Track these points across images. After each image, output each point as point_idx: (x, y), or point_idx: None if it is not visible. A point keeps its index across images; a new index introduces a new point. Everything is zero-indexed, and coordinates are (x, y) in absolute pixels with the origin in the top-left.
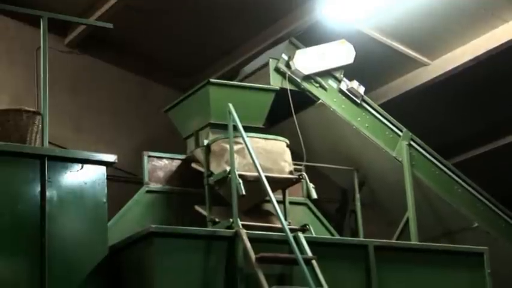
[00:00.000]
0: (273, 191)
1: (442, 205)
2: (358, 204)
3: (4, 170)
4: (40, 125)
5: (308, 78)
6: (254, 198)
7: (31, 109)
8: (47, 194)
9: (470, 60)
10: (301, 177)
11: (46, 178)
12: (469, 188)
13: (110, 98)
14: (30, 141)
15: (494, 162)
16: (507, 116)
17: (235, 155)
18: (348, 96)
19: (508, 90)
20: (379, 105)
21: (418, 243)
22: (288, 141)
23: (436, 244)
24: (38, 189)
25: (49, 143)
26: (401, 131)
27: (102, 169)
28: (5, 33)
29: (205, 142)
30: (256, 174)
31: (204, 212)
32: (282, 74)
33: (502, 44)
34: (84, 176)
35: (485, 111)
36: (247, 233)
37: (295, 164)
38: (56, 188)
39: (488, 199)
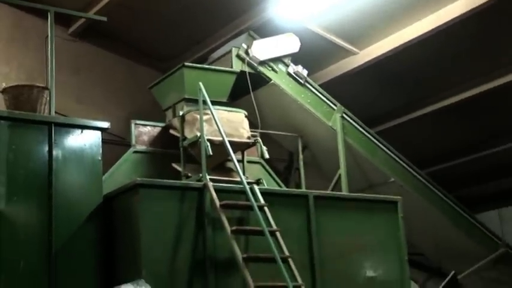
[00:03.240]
0: (234, 152)
1: (367, 164)
2: (301, 163)
3: (19, 134)
4: (48, 98)
5: (263, 63)
6: (219, 157)
7: (41, 85)
8: (54, 153)
9: (390, 51)
10: (256, 141)
11: (53, 140)
12: (388, 151)
13: (105, 77)
14: (40, 111)
15: (409, 131)
16: (420, 94)
17: (204, 124)
18: (294, 77)
19: (418, 73)
20: (318, 85)
21: (348, 193)
22: (246, 113)
23: (361, 194)
24: (46, 149)
25: (55, 112)
26: (335, 105)
27: (98, 133)
28: (20, 24)
29: (181, 113)
30: (220, 138)
31: (179, 168)
32: (242, 60)
33: (414, 38)
34: (84, 139)
35: (402, 90)
36: (213, 185)
37: (251, 131)
38: (60, 149)
39: (403, 160)
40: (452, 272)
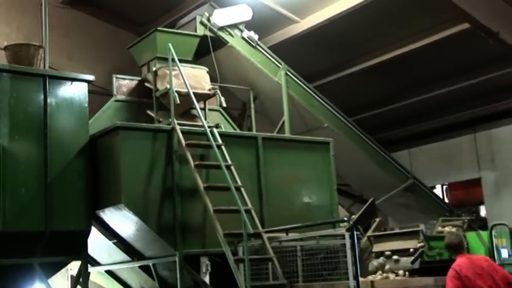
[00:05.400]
0: (197, 101)
1: (305, 112)
2: (252, 111)
3: (18, 84)
4: (43, 55)
5: (221, 28)
6: (185, 106)
7: (37, 44)
8: (48, 100)
9: (326, 20)
10: (215, 93)
11: (47, 90)
12: (323, 102)
13: (91, 39)
14: (36, 65)
15: (340, 86)
16: (349, 56)
17: (173, 78)
18: (247, 41)
19: (348, 39)
20: (267, 48)
21: (290, 135)
22: (207, 69)
23: (301, 136)
24: (42, 97)
25: (49, 67)
26: (281, 64)
27: (85, 85)
28: None
29: (154, 69)
30: (186, 90)
31: (153, 114)
32: (204, 26)
33: (346, 9)
34: (73, 89)
35: (335, 52)
36: (180, 128)
37: (212, 84)
38: (54, 97)
39: (334, 109)
40: (371, 199)
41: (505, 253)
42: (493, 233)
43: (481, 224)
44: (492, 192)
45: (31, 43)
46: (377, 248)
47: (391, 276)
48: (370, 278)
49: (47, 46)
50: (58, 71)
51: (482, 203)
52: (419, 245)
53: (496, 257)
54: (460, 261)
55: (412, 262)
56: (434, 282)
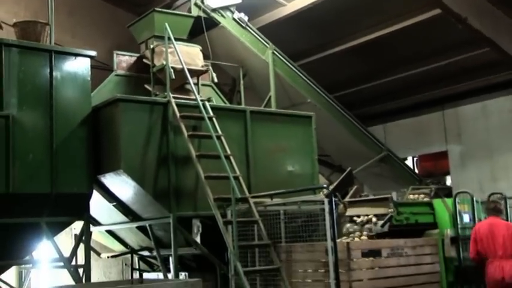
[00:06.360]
0: (191, 77)
1: (290, 88)
2: (241, 87)
3: (26, 59)
4: (49, 32)
5: (214, 10)
6: (180, 81)
7: (43, 21)
8: (53, 74)
9: (310, 3)
10: (208, 69)
11: (53, 64)
12: (306, 79)
13: (94, 18)
14: (43, 41)
15: (323, 64)
16: (331, 37)
17: (169, 55)
18: (238, 22)
19: (331, 22)
20: (256, 29)
21: (275, 109)
22: (201, 47)
23: (285, 110)
24: (48, 70)
25: (54, 43)
26: (268, 44)
27: (88, 60)
28: None
29: (151, 46)
30: (181, 66)
31: (150, 88)
32: (199, 7)
33: None
34: (77, 64)
35: (318, 34)
36: (175, 101)
37: (205, 61)
38: (59, 70)
39: (317, 85)
40: (349, 168)
41: (466, 218)
42: (457, 200)
43: (447, 192)
44: (457, 163)
45: (38, 20)
46: (350, 212)
47: (364, 238)
48: (344, 239)
49: (53, 24)
50: (63, 47)
51: (448, 173)
52: (389, 210)
53: (458, 221)
54: (483, 222)
55: (382, 225)
56: (404, 243)
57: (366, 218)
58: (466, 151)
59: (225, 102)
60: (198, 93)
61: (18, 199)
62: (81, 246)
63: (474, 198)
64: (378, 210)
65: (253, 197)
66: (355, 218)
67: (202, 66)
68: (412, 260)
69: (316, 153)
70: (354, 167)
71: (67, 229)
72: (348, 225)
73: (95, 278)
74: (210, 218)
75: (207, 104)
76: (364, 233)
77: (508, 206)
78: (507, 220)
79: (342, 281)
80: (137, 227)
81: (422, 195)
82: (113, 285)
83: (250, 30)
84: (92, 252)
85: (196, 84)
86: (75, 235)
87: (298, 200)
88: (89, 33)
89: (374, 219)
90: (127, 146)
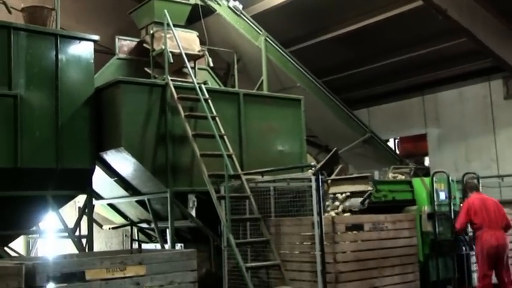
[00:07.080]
0: (188, 61)
1: (281, 73)
2: (235, 71)
3: (34, 42)
4: (55, 17)
5: None
6: (177, 64)
7: (50, 7)
8: (59, 56)
9: None
10: (204, 54)
11: (58, 47)
12: (296, 65)
13: (97, 4)
14: (49, 26)
15: (313, 51)
16: (321, 25)
17: (168, 40)
18: (232, 10)
19: (322, 10)
20: (250, 16)
21: (267, 92)
22: (197, 33)
23: (276, 93)
24: (54, 53)
25: (60, 27)
26: (261, 31)
27: (91, 44)
28: None
29: (151, 32)
30: (179, 51)
31: (149, 71)
32: None
33: None
34: (81, 47)
35: (309, 22)
36: (173, 83)
37: (201, 46)
38: (64, 54)
39: (306, 71)
40: (335, 149)
41: (442, 196)
42: (434, 179)
43: (425, 172)
44: (435, 145)
45: (45, 6)
46: (333, 190)
47: (346, 214)
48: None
49: (58, 9)
50: (68, 31)
51: (427, 154)
52: (368, 188)
53: (435, 199)
54: (474, 197)
55: (362, 202)
56: (384, 218)
57: (345, 195)
58: (443, 134)
59: (219, 85)
60: (195, 77)
61: (25, 173)
62: (85, 218)
63: (450, 178)
64: (358, 187)
65: (245, 174)
66: (337, 195)
67: (199, 51)
68: (392, 234)
69: (305, 134)
70: (339, 148)
71: (71, 202)
72: (329, 202)
73: (97, 247)
74: (204, 193)
75: (203, 86)
76: (341, 208)
77: (480, 185)
78: None
79: (326, 253)
80: (137, 201)
81: (402, 175)
82: (114, 254)
83: (244, 18)
84: (94, 224)
85: (193, 68)
86: (79, 208)
87: (287, 178)
88: (92, 19)
89: (353, 197)
90: (127, 124)
